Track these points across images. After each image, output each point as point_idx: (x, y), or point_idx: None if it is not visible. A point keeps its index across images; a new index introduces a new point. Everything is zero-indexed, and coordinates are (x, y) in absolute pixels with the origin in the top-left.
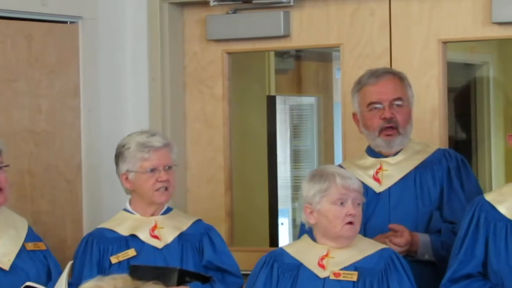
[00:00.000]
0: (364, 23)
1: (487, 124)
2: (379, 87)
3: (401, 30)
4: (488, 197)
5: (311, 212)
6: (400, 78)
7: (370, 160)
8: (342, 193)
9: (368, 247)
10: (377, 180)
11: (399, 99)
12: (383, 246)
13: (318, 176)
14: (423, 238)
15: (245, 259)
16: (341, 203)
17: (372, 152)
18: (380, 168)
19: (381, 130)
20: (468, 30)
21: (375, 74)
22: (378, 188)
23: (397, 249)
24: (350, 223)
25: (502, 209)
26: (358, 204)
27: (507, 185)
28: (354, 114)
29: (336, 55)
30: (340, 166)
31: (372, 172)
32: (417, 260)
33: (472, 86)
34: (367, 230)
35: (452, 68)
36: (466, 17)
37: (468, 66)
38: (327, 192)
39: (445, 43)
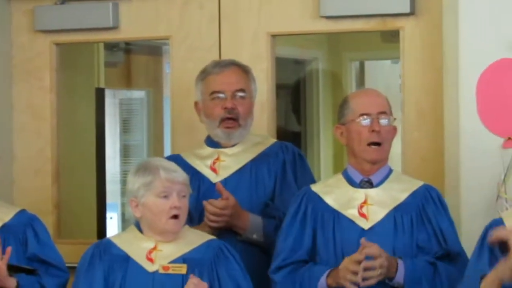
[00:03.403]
0: (193, 16)
1: (316, 118)
2: (223, 77)
3: (230, 23)
4: (315, 188)
5: (137, 206)
6: (244, 70)
7: (208, 150)
8: (166, 186)
9: (195, 239)
10: (214, 170)
11: (242, 90)
12: (211, 237)
13: (142, 169)
14: (253, 219)
15: (72, 252)
16: (165, 196)
17: (211, 142)
18: (217, 159)
19: (222, 121)
20: (297, 23)
21: (220, 64)
22: (214, 178)
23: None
24: (175, 216)
25: (329, 200)
26: (184, 196)
27: (332, 177)
28: (196, 103)
29: (166, 49)
30: (179, 156)
31: (209, 162)
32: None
33: (302, 81)
34: (202, 219)
35: (283, 64)
36: (295, 11)
37: (298, 62)
38: (151, 185)
39: (274, 36)
